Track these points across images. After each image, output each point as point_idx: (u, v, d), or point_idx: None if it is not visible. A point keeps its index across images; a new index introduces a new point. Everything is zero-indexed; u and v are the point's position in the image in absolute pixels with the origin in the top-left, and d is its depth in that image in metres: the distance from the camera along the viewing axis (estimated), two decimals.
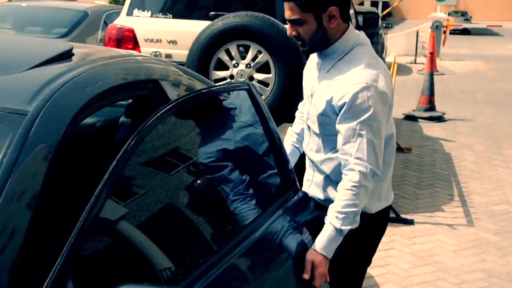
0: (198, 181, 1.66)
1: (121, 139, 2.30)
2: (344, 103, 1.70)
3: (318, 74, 1.86)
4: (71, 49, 1.66)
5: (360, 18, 6.59)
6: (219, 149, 1.67)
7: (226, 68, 4.01)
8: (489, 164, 5.56)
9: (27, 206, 1.10)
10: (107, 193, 1.13)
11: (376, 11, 7.43)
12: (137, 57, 2.05)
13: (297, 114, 2.15)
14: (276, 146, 1.77)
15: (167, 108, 1.35)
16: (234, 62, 3.99)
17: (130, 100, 2.22)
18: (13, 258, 1.03)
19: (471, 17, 29.32)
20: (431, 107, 7.60)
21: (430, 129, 6.92)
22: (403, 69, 12.26)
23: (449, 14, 25.60)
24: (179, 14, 4.41)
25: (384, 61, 13.12)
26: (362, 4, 16.31)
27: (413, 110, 7.61)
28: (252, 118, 1.77)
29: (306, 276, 1.68)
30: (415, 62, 13.70)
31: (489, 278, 3.28)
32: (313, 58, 1.95)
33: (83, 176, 1.79)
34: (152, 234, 1.40)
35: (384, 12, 17.77)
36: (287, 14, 1.76)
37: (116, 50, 2.61)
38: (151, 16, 4.40)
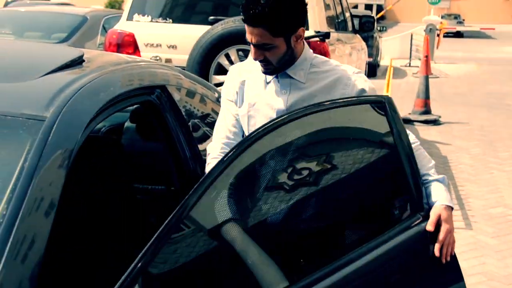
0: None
1: (127, 144, 2.33)
2: (361, 90, 1.74)
3: (288, 90, 1.73)
4: (82, 55, 1.69)
5: (356, 22, 6.63)
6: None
7: (226, 72, 4.04)
8: (486, 167, 5.61)
9: (48, 213, 1.12)
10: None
11: (372, 15, 7.48)
12: (144, 63, 2.08)
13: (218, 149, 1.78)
14: (408, 164, 1.53)
15: (293, 115, 1.29)
16: None
17: (135, 106, 2.25)
18: (35, 267, 1.05)
19: (464, 20, 29.51)
20: (426, 110, 7.66)
21: (426, 132, 6.97)
22: (397, 72, 12.34)
23: (442, 17, 25.76)
24: (178, 19, 4.44)
25: (378, 65, 13.22)
26: (356, 7, 16.42)
27: (409, 114, 7.66)
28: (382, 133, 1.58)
29: (430, 227, 1.50)
30: (409, 65, 13.80)
31: (489, 282, 3.31)
32: (248, 81, 1.79)
33: (92, 180, 1.81)
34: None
35: (378, 15, 17.89)
36: (254, 39, 1.64)
37: (122, 55, 2.64)
38: (151, 21, 4.43)
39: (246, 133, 1.78)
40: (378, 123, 1.51)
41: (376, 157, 1.52)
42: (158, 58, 4.28)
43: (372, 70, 11.30)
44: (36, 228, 1.08)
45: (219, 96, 2.38)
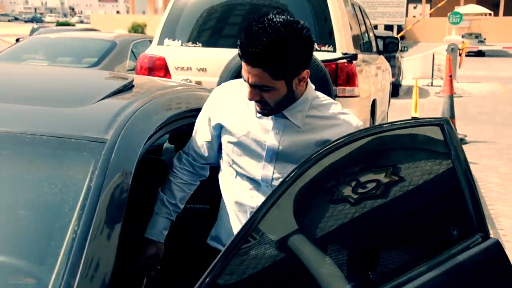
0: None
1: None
2: None
3: (281, 131, 1.59)
4: (132, 81, 1.77)
5: (380, 43, 6.69)
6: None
7: None
8: None
9: (115, 229, 1.18)
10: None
11: (396, 36, 7.57)
12: (186, 87, 2.16)
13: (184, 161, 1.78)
14: (467, 185, 1.49)
15: (342, 141, 1.31)
16: None
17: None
18: (106, 281, 1.10)
19: (485, 39, 29.38)
20: None
21: None
22: (420, 92, 12.26)
23: (462, 36, 25.71)
24: (208, 42, 4.55)
25: (400, 84, 13.22)
26: (375, 27, 16.52)
27: None
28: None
29: None
30: (431, 85, 13.77)
31: None
32: (234, 107, 1.64)
33: (144, 200, 1.87)
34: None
35: (398, 36, 17.95)
36: (252, 79, 1.49)
37: (165, 80, 2.73)
38: (181, 45, 4.55)
39: (229, 161, 1.66)
40: (435, 144, 1.53)
41: (434, 177, 1.52)
42: (188, 80, 4.38)
43: (395, 90, 11.31)
44: (105, 245, 1.15)
45: None
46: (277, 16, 1.48)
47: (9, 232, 1.15)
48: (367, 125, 4.87)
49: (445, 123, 1.51)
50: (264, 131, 1.60)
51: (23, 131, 1.31)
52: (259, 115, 1.60)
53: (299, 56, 1.50)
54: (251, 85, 1.51)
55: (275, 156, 1.59)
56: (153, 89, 1.84)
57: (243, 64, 1.50)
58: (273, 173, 1.60)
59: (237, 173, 1.65)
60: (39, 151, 1.30)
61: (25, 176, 1.28)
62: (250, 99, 1.54)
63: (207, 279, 1.09)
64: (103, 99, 1.56)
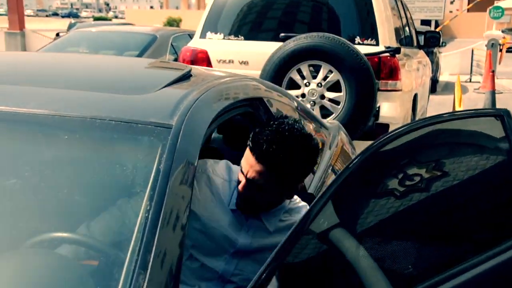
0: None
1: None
2: None
3: (252, 231, 1.60)
4: (190, 70, 1.81)
5: (420, 38, 6.60)
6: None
7: (297, 87, 4.13)
8: None
9: (183, 213, 1.21)
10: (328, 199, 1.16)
11: (437, 30, 7.45)
12: (235, 77, 2.19)
13: None
14: None
15: (403, 131, 1.32)
16: (305, 81, 4.11)
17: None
18: (178, 262, 1.13)
19: None
20: None
21: None
22: None
23: (502, 32, 25.04)
24: (249, 36, 4.58)
25: (437, 80, 12.99)
26: None
27: None
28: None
29: None
30: (470, 81, 13.50)
31: None
32: (207, 193, 1.60)
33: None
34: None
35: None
36: (251, 174, 1.50)
37: (214, 70, 2.77)
38: (223, 38, 4.59)
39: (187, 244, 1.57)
40: (495, 135, 1.52)
41: (492, 167, 1.52)
42: None
43: (433, 86, 11.14)
44: (173, 231, 1.17)
45: (298, 105, 2.47)
46: (296, 124, 1.55)
47: (85, 211, 1.20)
48: (408, 120, 4.83)
49: (506, 115, 1.50)
50: (235, 227, 1.59)
51: (94, 116, 1.35)
52: (233, 207, 1.59)
53: (303, 169, 1.57)
54: (246, 179, 1.52)
55: (241, 255, 1.59)
56: (209, 79, 1.87)
57: (250, 155, 1.51)
58: (234, 269, 1.59)
59: (192, 257, 1.60)
60: (108, 135, 1.34)
61: (97, 158, 1.32)
62: (240, 192, 1.54)
63: (274, 261, 1.11)
64: (165, 87, 1.59)
